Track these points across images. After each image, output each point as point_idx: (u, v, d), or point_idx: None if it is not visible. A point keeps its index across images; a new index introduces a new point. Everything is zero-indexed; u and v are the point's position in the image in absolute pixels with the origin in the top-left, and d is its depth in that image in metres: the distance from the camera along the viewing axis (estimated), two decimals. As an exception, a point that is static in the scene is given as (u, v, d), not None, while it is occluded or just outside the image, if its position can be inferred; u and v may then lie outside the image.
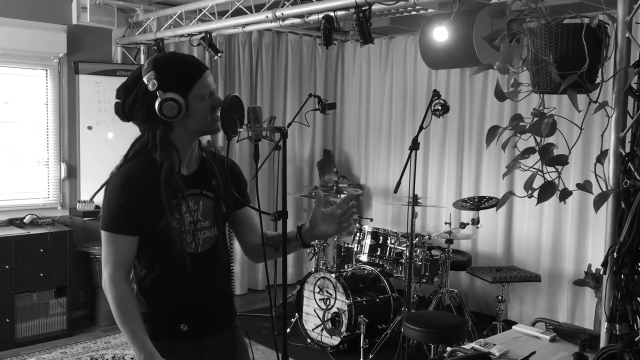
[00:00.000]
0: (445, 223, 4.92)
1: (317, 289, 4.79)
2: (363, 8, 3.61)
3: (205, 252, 1.96)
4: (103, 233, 1.88)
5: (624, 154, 1.79)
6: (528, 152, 1.89)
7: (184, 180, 1.91)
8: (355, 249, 5.10)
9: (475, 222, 4.70)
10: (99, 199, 1.96)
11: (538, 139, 1.87)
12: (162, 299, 1.94)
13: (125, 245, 1.86)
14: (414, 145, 3.98)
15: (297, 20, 4.17)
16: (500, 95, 1.97)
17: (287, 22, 4.25)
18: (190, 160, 1.97)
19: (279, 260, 2.03)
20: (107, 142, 5.32)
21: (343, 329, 4.57)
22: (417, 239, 4.77)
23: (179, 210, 1.88)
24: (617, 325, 1.77)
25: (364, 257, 5.03)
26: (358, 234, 5.12)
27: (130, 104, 1.88)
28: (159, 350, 1.83)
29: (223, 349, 2.02)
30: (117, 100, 1.94)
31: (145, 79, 1.84)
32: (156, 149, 1.88)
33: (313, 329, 4.81)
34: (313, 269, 5.07)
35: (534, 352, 2.20)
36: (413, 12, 4.91)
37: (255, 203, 2.00)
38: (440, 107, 4.16)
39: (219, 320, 2.02)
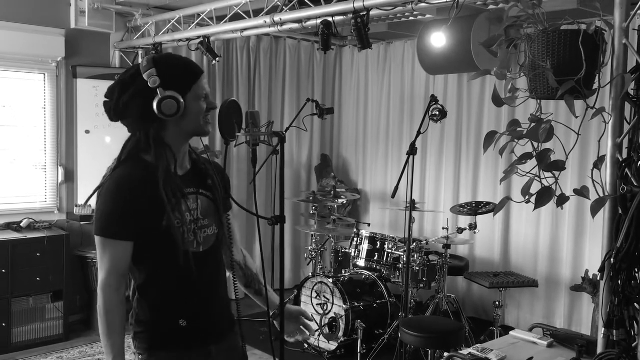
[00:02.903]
0: (443, 228, 4.91)
1: (314, 294, 4.78)
2: (361, 13, 3.62)
3: (207, 250, 1.95)
4: (97, 238, 1.83)
5: (621, 159, 1.80)
6: (525, 157, 1.90)
7: (179, 180, 1.92)
8: (352, 254, 5.10)
9: (473, 227, 4.71)
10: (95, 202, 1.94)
11: (535, 144, 1.88)
12: (167, 305, 1.91)
13: (119, 251, 1.83)
14: (412, 150, 3.99)
15: (295, 26, 4.18)
16: (497, 101, 1.98)
17: (285, 27, 4.26)
18: (183, 161, 1.97)
19: (277, 264, 2.02)
20: (105, 146, 5.31)
21: (340, 334, 4.56)
22: (414, 244, 4.77)
23: (179, 209, 1.87)
24: (615, 331, 1.77)
25: (361, 262, 5.02)
26: (356, 239, 5.12)
27: (125, 101, 1.85)
28: None
29: (228, 357, 2.01)
30: (106, 100, 1.90)
31: (145, 76, 1.82)
32: (149, 149, 1.86)
33: (310, 334, 4.80)
34: (310, 274, 5.05)
35: (532, 358, 2.20)
36: (411, 18, 4.92)
37: (253, 207, 1.99)
38: (437, 113, 4.17)
39: (223, 325, 2.02)
